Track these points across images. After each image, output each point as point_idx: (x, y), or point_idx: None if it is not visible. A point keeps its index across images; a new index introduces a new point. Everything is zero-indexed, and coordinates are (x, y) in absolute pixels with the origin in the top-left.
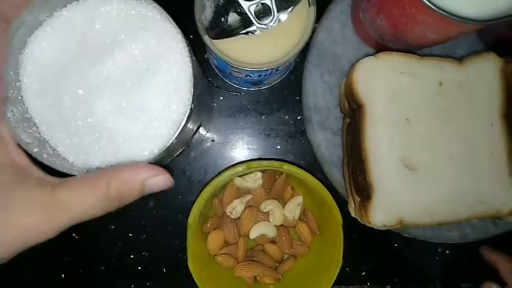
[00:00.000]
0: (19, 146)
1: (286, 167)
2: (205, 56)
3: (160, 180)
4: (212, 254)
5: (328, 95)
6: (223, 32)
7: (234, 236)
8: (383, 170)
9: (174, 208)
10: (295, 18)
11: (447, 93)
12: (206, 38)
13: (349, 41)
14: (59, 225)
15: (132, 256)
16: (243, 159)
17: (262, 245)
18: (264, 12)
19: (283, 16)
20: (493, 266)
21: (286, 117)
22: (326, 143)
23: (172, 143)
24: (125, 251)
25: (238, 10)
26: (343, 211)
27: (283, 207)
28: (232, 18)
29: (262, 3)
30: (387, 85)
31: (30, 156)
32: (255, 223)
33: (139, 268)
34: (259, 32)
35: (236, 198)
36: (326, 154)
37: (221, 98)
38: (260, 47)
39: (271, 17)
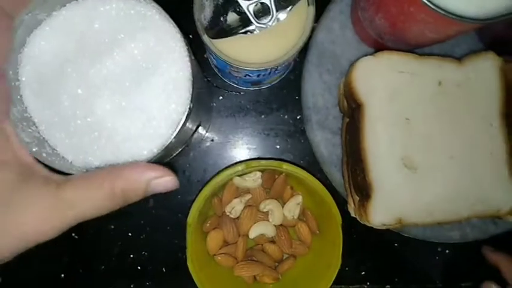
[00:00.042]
0: None
1: (286, 167)
2: (205, 55)
3: (166, 181)
4: (211, 253)
5: (328, 95)
6: (222, 31)
7: (233, 236)
8: (382, 169)
9: (174, 208)
10: (294, 18)
11: (446, 93)
12: (205, 38)
13: (349, 41)
14: (64, 224)
15: (131, 256)
16: (242, 159)
17: (262, 245)
18: (263, 11)
19: (282, 15)
20: (495, 266)
21: (286, 116)
22: (325, 142)
23: (171, 142)
24: (125, 250)
25: (237, 9)
26: (342, 211)
27: (283, 206)
28: (231, 17)
29: (261, 3)
30: (386, 84)
31: None
32: (255, 223)
33: (139, 268)
34: (258, 31)
35: (235, 197)
36: (325, 154)
37: (220, 97)
38: (259, 47)
39: (270, 16)
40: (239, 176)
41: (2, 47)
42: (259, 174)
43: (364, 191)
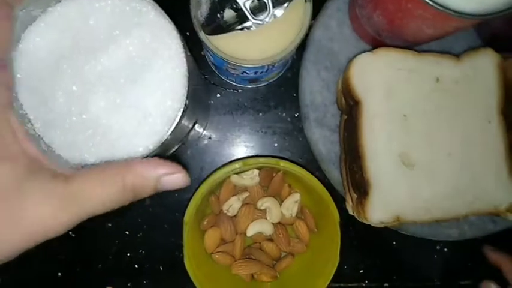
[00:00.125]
0: None
1: (283, 164)
2: (202, 53)
3: (177, 178)
4: (209, 251)
5: (326, 92)
6: (219, 28)
7: (230, 234)
8: (380, 166)
9: (171, 206)
10: (291, 14)
11: (444, 90)
12: (202, 34)
13: (346, 38)
14: (74, 218)
15: (128, 254)
16: (240, 157)
17: (260, 243)
18: (259, 8)
19: (278, 12)
20: (495, 266)
21: (284, 114)
22: (323, 140)
23: (167, 139)
24: (122, 249)
25: (234, 6)
26: (340, 209)
27: (281, 204)
28: (228, 14)
29: None
30: (384, 81)
31: None
32: (252, 221)
33: (136, 266)
34: (254, 27)
35: (233, 195)
36: (323, 151)
37: (218, 95)
38: (256, 43)
39: (267, 12)
40: (237, 173)
41: (3, 37)
42: (256, 172)
43: (361, 189)
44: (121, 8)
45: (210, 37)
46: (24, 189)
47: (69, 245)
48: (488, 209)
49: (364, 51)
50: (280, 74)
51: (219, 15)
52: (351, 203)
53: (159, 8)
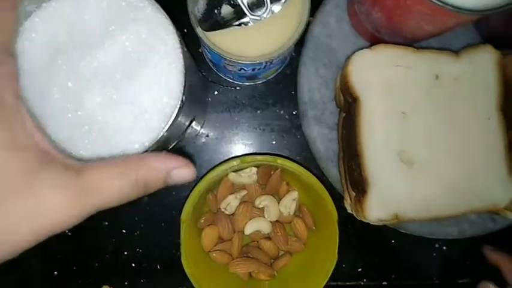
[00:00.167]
0: None
1: (281, 161)
2: (200, 50)
3: (185, 172)
4: (206, 250)
5: (324, 89)
6: (216, 23)
7: (228, 232)
8: (378, 164)
9: (168, 204)
10: (290, 10)
11: (443, 86)
12: (199, 30)
13: (345, 35)
14: (83, 212)
15: (125, 253)
16: (237, 155)
17: (257, 241)
18: (257, 3)
19: (276, 7)
20: (495, 266)
21: (282, 112)
22: (322, 137)
23: (163, 136)
24: (119, 247)
25: (232, 2)
26: (339, 207)
27: (279, 202)
28: (225, 9)
29: None
30: (383, 78)
31: None
32: (250, 219)
33: (133, 265)
34: (252, 23)
35: (231, 193)
36: (322, 149)
37: (216, 92)
38: (253, 40)
39: (265, 8)
40: (234, 171)
41: (9, 28)
42: (254, 169)
43: (360, 186)
44: (117, 3)
45: (207, 33)
46: (37, 181)
47: (66, 244)
48: (487, 207)
49: (362, 48)
50: (279, 71)
51: (216, 11)
52: (349, 201)
53: (155, 4)
